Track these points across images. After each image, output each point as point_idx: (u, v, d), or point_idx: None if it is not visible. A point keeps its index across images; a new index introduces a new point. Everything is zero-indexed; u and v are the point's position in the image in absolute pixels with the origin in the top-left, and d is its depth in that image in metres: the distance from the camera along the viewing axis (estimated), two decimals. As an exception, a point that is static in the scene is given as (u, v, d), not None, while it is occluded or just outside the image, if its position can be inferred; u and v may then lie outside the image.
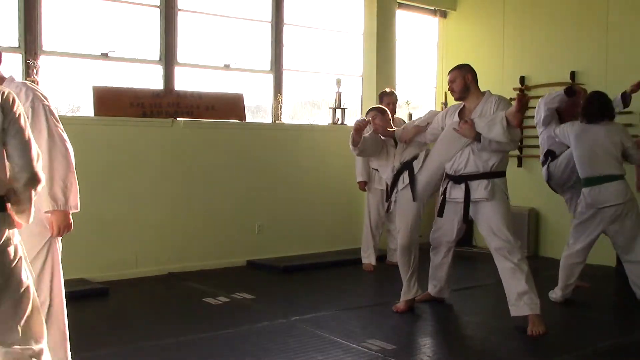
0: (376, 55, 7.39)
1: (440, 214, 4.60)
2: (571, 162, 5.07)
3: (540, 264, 6.35)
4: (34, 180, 2.37)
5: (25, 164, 2.34)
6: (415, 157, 4.67)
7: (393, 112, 5.94)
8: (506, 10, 7.54)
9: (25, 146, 2.35)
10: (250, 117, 6.73)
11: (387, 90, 6.19)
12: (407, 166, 4.67)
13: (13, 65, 5.32)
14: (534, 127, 7.06)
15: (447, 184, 4.54)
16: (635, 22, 6.42)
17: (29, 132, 2.39)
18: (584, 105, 5.02)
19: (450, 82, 4.47)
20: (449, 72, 4.52)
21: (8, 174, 2.33)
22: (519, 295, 4.20)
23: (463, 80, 4.41)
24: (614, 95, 5.27)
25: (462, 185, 4.36)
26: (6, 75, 2.91)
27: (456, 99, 4.58)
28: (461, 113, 4.46)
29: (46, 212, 2.89)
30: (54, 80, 5.62)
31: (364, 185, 6.29)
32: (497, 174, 4.31)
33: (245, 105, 6.49)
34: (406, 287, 4.73)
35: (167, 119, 6.00)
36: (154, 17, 6.15)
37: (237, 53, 6.69)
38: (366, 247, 6.33)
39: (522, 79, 7.28)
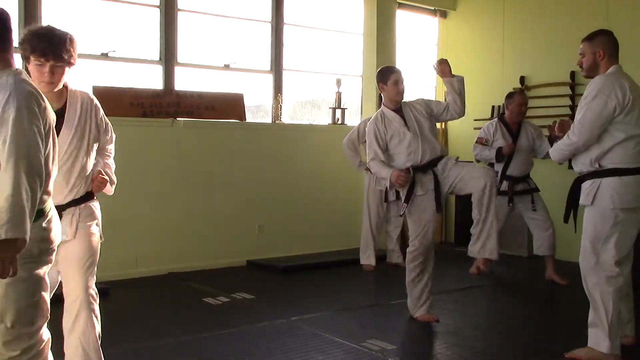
0: (376, 55, 7.38)
1: None
2: None
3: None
4: None
5: None
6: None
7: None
8: (506, 10, 7.54)
9: None
10: (250, 117, 6.73)
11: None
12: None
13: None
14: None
15: None
16: (635, 23, 6.41)
17: None
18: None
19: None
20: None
21: None
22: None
23: (592, 56, 3.70)
24: None
25: None
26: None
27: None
28: None
29: None
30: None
31: None
32: None
33: (245, 105, 6.49)
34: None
35: (167, 119, 6.00)
36: (154, 17, 6.15)
37: (237, 53, 6.69)
38: (365, 248, 6.32)
39: (522, 79, 7.28)
